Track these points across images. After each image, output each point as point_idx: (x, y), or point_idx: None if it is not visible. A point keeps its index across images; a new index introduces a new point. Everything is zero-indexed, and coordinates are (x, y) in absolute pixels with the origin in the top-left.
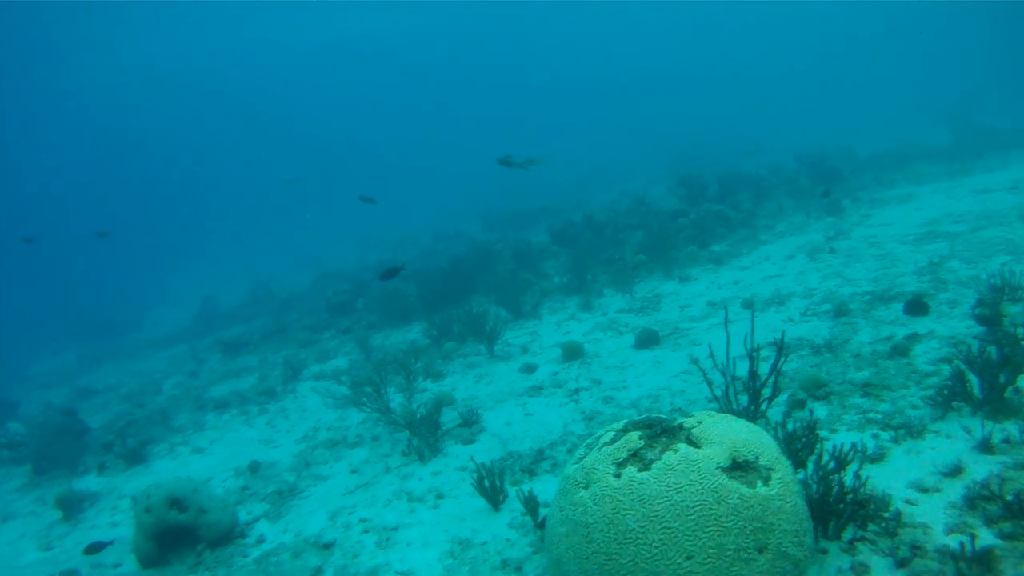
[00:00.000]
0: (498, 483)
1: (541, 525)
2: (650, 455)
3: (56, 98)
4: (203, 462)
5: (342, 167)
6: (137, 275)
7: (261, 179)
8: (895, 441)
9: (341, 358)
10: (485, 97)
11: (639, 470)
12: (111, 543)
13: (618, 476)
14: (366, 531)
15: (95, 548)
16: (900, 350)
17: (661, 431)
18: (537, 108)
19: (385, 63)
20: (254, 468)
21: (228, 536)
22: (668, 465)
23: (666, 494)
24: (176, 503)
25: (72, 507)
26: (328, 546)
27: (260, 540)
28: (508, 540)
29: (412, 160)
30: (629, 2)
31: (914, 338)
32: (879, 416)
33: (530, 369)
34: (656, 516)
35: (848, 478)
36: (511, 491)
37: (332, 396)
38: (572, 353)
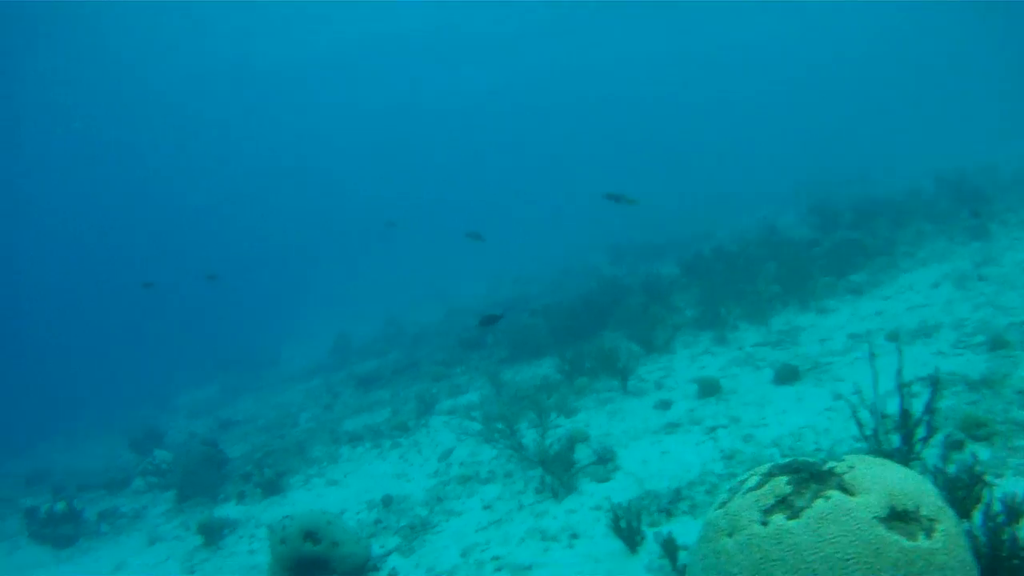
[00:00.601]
0: (635, 524)
1: (681, 571)
2: (799, 502)
3: (198, 135)
4: (337, 494)
5: (470, 202)
6: (275, 312)
7: (388, 215)
8: None
9: (473, 392)
10: (604, 127)
11: (788, 518)
12: None
13: (765, 524)
14: (499, 569)
15: None
16: None
17: (810, 476)
18: (656, 137)
19: (510, 97)
20: (387, 502)
21: (361, 569)
22: (820, 513)
23: (818, 545)
24: (310, 535)
25: (213, 533)
26: None
27: (392, 574)
28: None
29: (540, 194)
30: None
31: None
32: None
33: (665, 405)
34: (806, 568)
35: (1022, 531)
36: (648, 532)
37: (465, 432)
38: (708, 389)
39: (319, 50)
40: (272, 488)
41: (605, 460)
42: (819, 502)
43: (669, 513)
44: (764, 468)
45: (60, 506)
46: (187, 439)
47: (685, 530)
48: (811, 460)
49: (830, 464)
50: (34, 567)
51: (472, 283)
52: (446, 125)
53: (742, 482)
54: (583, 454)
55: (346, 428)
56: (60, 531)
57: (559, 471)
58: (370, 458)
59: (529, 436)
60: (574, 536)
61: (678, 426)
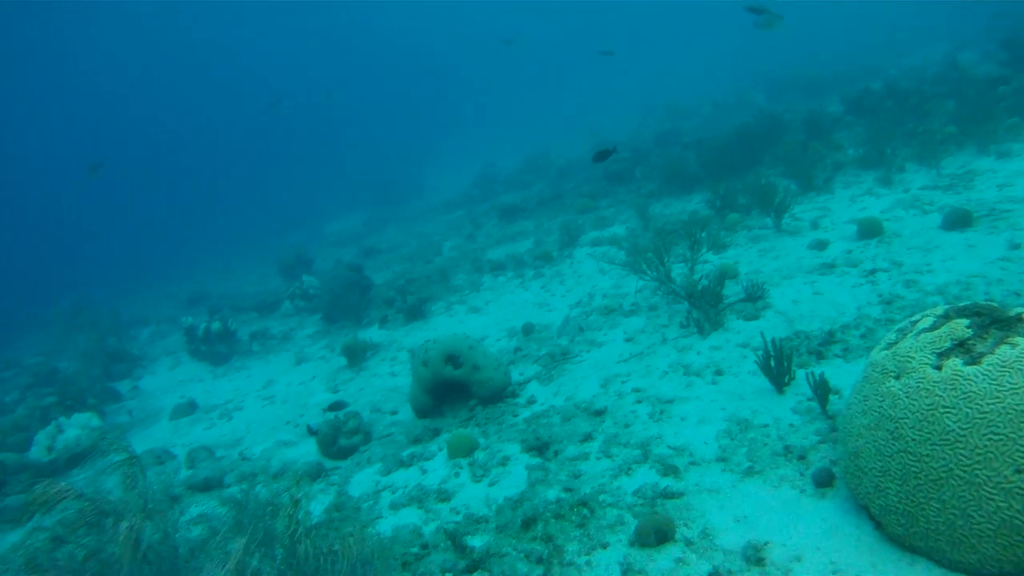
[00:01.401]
0: (784, 364)
1: (830, 416)
2: (981, 347)
3: None
4: (478, 321)
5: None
6: (420, 144)
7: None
8: None
9: (618, 225)
10: None
11: (966, 363)
12: (348, 405)
13: (939, 368)
14: (639, 401)
15: (336, 406)
16: None
17: (992, 321)
18: None
19: None
20: (527, 330)
21: (499, 395)
22: (1003, 361)
23: (998, 394)
24: (452, 359)
25: (356, 355)
26: (600, 413)
27: (531, 401)
28: (791, 425)
29: (692, 25)
30: None
31: None
32: None
33: (821, 245)
34: (983, 418)
35: None
36: (799, 373)
37: (612, 261)
38: (869, 230)
39: None
40: (414, 314)
41: (754, 298)
42: (1004, 348)
43: (820, 355)
44: (939, 309)
45: (216, 326)
46: (334, 266)
47: (837, 373)
48: (995, 305)
49: (1018, 310)
50: (193, 381)
51: (623, 116)
52: None
53: (914, 323)
54: (732, 291)
55: (489, 257)
56: (216, 349)
57: (706, 306)
58: (512, 287)
59: (676, 270)
60: (718, 372)
61: (833, 267)
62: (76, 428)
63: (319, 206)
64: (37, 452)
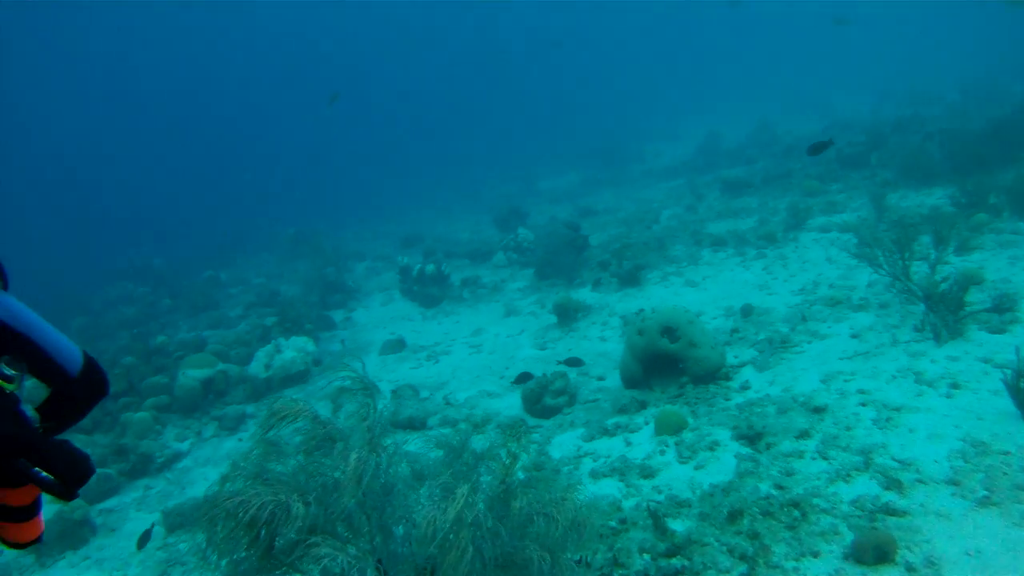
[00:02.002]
0: None
1: None
2: None
3: None
4: (694, 296)
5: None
6: (641, 107)
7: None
8: None
9: (849, 213)
10: None
11: None
12: (583, 363)
13: None
14: (863, 404)
15: (572, 362)
16: None
17: None
18: None
19: None
20: (746, 312)
21: (712, 375)
22: None
23: None
24: (668, 331)
25: (567, 315)
26: (819, 410)
27: (744, 387)
28: None
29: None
30: None
31: None
32: None
33: None
34: None
35: None
36: None
37: (842, 250)
38: None
39: None
40: (629, 280)
41: (1002, 309)
42: None
43: None
44: None
45: (430, 268)
46: (549, 221)
47: None
48: None
49: None
50: (403, 319)
51: (856, 96)
52: None
53: None
54: (975, 298)
55: (709, 231)
56: (428, 291)
57: (944, 312)
58: (731, 265)
59: (913, 268)
60: (954, 386)
61: None
62: (293, 350)
63: (535, 161)
64: (256, 368)
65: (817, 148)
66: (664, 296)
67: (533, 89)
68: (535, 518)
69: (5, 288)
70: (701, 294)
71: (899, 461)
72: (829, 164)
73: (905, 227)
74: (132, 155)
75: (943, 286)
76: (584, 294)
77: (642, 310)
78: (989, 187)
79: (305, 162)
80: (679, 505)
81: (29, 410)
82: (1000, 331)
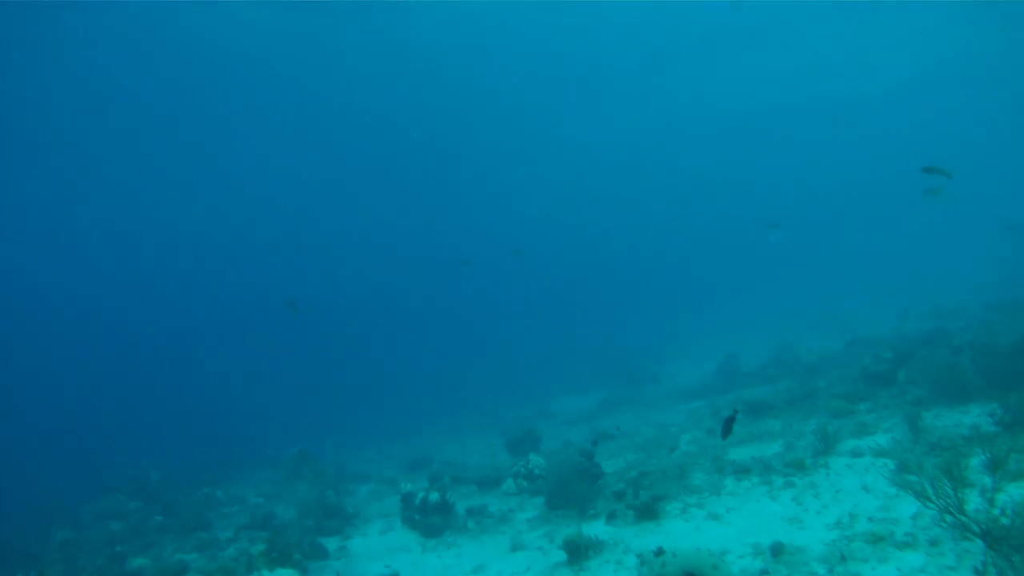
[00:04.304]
0: None
1: None
2: None
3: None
4: (718, 531)
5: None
6: (659, 329)
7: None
8: None
9: (881, 435)
10: None
11: None
12: None
13: None
14: None
15: None
16: None
17: None
18: None
19: None
20: (776, 550)
21: None
22: None
23: None
24: None
25: (579, 552)
26: None
27: None
28: None
29: (955, 223)
30: None
31: None
32: None
33: None
34: None
35: None
36: None
37: (880, 477)
38: None
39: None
40: (646, 512)
41: None
42: None
43: None
44: None
45: (434, 496)
46: (562, 447)
47: None
48: None
49: None
50: (401, 551)
51: (877, 313)
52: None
53: None
54: None
55: (731, 457)
56: (430, 520)
57: (1010, 551)
58: (757, 495)
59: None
60: None
61: None
62: None
63: (551, 382)
64: None
65: (728, 423)
66: (684, 531)
67: (552, 308)
68: None
69: None
70: (725, 528)
71: None
72: (855, 382)
73: (948, 450)
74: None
75: (1004, 520)
76: (597, 528)
77: (661, 550)
78: None
79: (311, 377)
80: None
81: None
82: None
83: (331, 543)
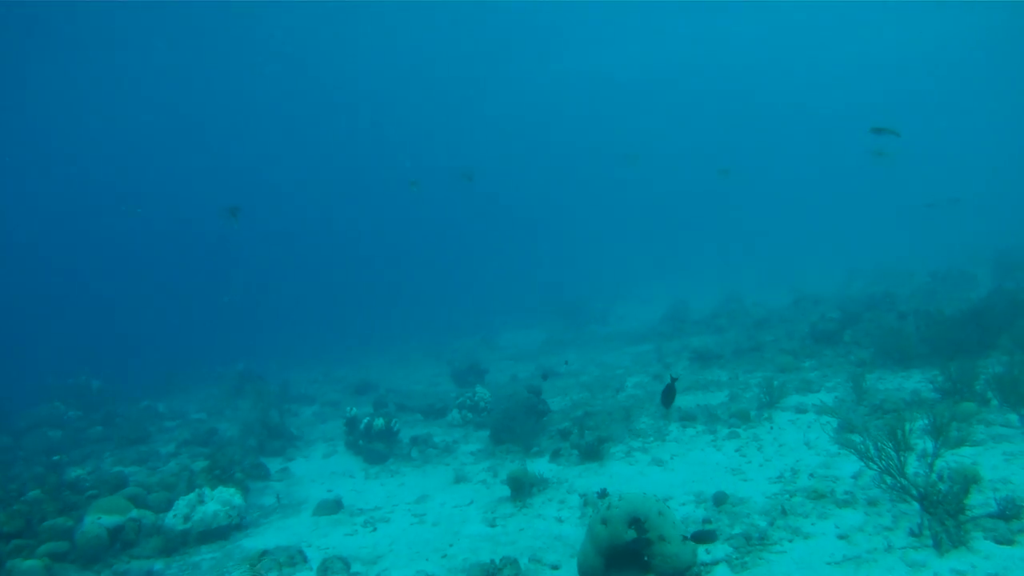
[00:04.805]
0: None
1: None
2: None
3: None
4: (662, 477)
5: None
6: (608, 268)
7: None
8: None
9: (825, 393)
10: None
11: None
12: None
13: None
14: None
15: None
16: None
17: None
18: None
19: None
20: (719, 500)
21: (682, 574)
22: None
23: None
24: (636, 523)
25: (522, 489)
26: None
27: None
28: None
29: (904, 188)
30: None
31: None
32: None
33: None
34: None
35: None
36: None
37: (825, 433)
38: None
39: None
40: (591, 453)
41: (1008, 516)
42: None
43: None
44: None
45: (379, 423)
46: (509, 381)
47: None
48: None
49: None
50: (344, 476)
51: (825, 272)
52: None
53: None
54: (974, 500)
55: (677, 403)
56: (374, 446)
57: (944, 515)
58: (702, 443)
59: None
60: None
61: None
62: (217, 503)
63: (495, 312)
64: (173, 519)
65: (668, 393)
66: (628, 475)
67: (500, 237)
68: None
69: None
70: (669, 475)
71: None
72: (802, 340)
73: (890, 412)
74: (94, 264)
75: (942, 485)
76: (541, 465)
77: (606, 493)
78: (974, 373)
79: (262, 293)
80: None
81: None
82: (1009, 542)
83: (273, 464)
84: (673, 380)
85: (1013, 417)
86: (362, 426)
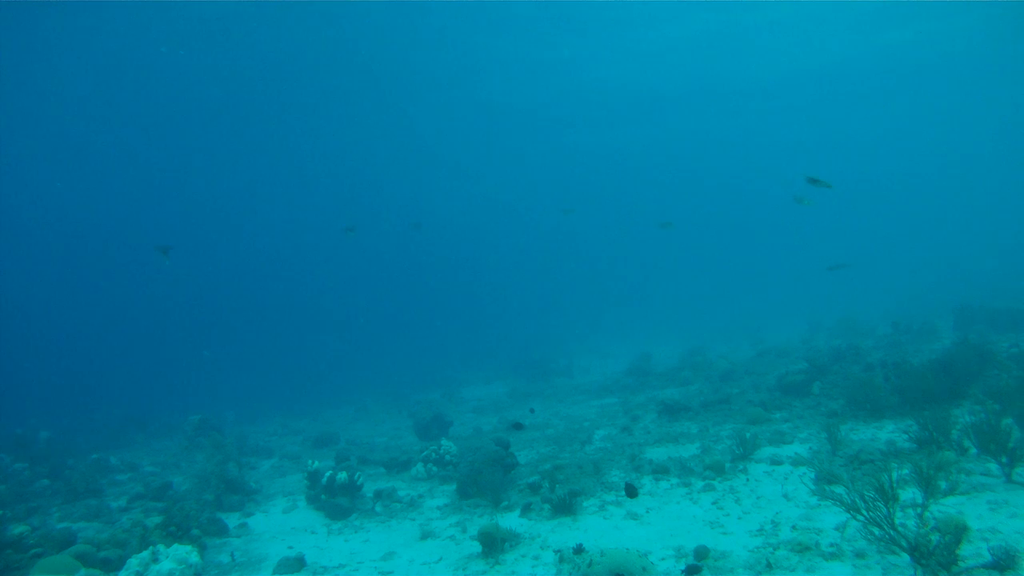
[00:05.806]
0: None
1: None
2: None
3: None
4: (638, 531)
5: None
6: (570, 322)
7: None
8: None
9: (799, 444)
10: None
11: None
12: None
13: None
14: None
15: None
16: None
17: None
18: None
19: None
20: (700, 554)
21: None
22: None
23: None
24: None
25: (494, 545)
26: None
27: None
28: None
29: (866, 245)
30: None
31: None
32: None
33: None
34: None
35: None
36: None
37: (804, 484)
38: None
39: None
40: (563, 507)
41: (1003, 566)
42: None
43: None
44: None
45: (342, 476)
46: (473, 433)
47: None
48: None
49: None
50: (306, 532)
51: (785, 325)
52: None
53: None
54: (967, 551)
55: (649, 456)
56: (337, 501)
57: (936, 567)
58: (677, 496)
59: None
60: None
61: None
62: (172, 561)
63: (457, 367)
64: None
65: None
66: (603, 529)
67: (464, 290)
68: None
69: None
70: (646, 529)
71: None
72: (771, 391)
73: (867, 463)
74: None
75: (933, 536)
76: (512, 520)
77: (581, 548)
78: (949, 422)
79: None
80: None
81: None
82: None
83: (231, 519)
84: (531, 411)
85: (993, 466)
86: (324, 480)
